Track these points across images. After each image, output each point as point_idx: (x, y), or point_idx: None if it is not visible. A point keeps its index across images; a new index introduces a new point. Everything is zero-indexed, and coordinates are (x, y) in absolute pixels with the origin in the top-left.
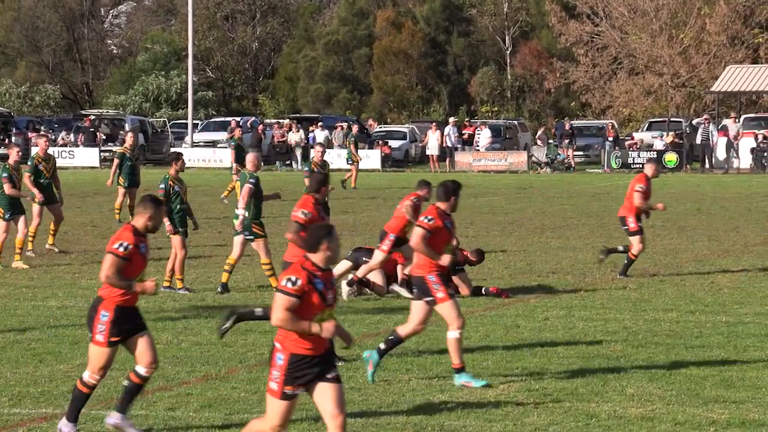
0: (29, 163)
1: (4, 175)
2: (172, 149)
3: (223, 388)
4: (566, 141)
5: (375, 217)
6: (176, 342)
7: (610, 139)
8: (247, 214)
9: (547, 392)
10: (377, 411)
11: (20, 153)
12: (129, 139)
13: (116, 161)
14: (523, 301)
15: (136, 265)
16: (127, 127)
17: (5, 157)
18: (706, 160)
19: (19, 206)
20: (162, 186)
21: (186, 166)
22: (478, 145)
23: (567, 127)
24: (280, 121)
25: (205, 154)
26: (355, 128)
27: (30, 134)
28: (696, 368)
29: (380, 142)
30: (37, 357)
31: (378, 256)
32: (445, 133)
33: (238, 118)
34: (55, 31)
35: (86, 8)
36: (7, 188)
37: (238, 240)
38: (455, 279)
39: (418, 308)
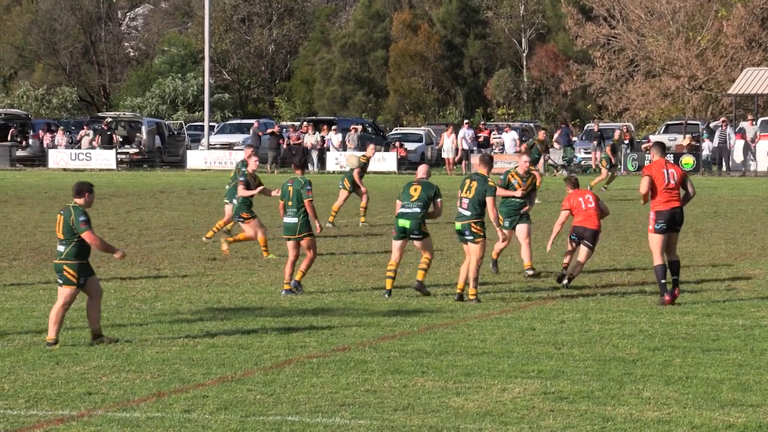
0: None
1: (241, 179)
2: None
3: (239, 390)
4: (594, 143)
5: (391, 219)
6: (192, 344)
7: (626, 141)
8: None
9: (563, 395)
10: (393, 414)
11: (257, 162)
12: (371, 150)
13: None
14: (539, 304)
15: None
16: (144, 129)
17: (23, 159)
18: (723, 163)
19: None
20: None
21: (202, 168)
22: (499, 149)
23: (596, 129)
24: (295, 123)
25: (222, 156)
26: (617, 133)
27: (45, 135)
28: (713, 371)
29: (396, 144)
30: (53, 359)
31: None
32: (461, 135)
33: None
34: (73, 33)
35: (103, 11)
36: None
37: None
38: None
39: None
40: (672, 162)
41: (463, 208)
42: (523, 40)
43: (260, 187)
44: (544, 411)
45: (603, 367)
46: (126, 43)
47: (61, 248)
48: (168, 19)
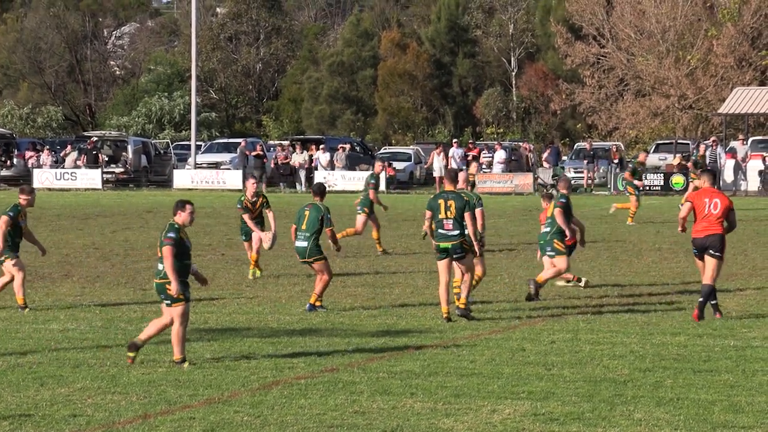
0: None
1: (239, 206)
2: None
3: (226, 411)
4: (585, 162)
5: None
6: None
7: (615, 161)
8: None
9: (554, 416)
10: None
11: (255, 185)
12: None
13: None
14: (528, 325)
15: None
16: (130, 148)
17: (8, 178)
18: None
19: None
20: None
21: (188, 188)
22: (487, 167)
23: (588, 147)
24: (282, 142)
25: (209, 175)
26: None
27: (29, 154)
28: (704, 393)
29: (385, 163)
30: (38, 380)
31: None
32: (450, 154)
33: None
34: (58, 52)
35: (89, 29)
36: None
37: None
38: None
39: None
40: (721, 192)
41: (448, 229)
42: (512, 58)
43: (261, 234)
44: None
45: (593, 388)
46: (112, 62)
47: (160, 266)
48: (154, 37)
